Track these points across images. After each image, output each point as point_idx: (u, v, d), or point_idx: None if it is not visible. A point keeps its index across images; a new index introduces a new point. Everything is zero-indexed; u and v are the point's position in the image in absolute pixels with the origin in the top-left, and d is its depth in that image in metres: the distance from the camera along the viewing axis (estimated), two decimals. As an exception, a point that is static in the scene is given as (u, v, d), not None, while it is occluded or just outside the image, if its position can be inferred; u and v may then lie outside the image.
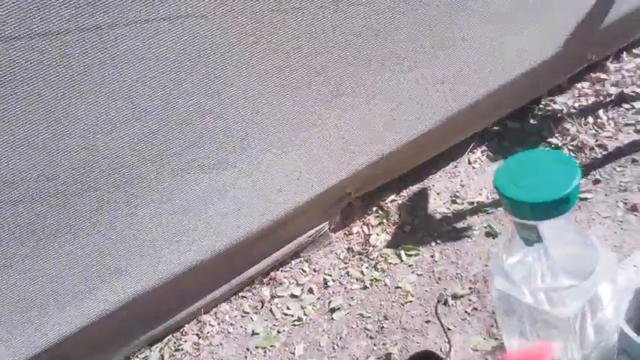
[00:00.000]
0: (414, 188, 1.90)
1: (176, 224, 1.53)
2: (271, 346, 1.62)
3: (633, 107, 1.83)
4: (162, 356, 1.71)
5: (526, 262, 0.75)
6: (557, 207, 0.62)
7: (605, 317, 0.73)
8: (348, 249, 1.81)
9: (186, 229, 1.55)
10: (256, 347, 1.63)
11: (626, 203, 1.54)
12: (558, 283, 0.69)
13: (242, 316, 1.74)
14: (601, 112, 1.85)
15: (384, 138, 1.69)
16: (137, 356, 1.73)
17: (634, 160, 1.65)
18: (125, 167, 1.39)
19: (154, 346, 1.75)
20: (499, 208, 1.73)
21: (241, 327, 1.71)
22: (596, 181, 1.67)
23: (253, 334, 1.67)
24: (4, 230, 1.33)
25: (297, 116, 1.55)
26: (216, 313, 1.77)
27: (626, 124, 1.78)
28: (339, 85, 1.56)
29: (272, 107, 1.51)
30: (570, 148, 1.80)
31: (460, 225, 1.73)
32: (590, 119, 1.86)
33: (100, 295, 1.52)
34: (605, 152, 1.73)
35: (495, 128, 1.98)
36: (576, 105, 1.93)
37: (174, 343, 1.74)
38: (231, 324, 1.73)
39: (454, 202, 1.81)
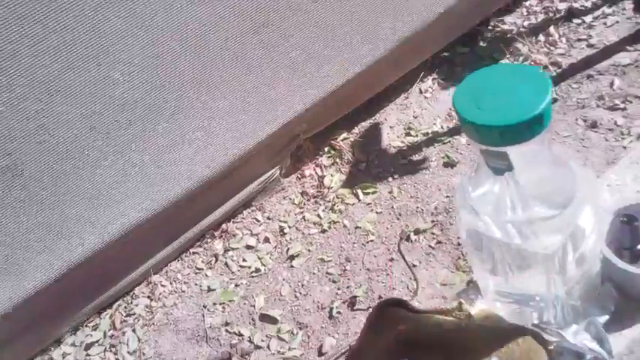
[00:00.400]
0: (366, 124, 1.81)
1: (119, 178, 1.39)
2: (230, 301, 1.53)
3: (584, 22, 1.77)
4: (113, 323, 1.60)
5: (493, 194, 0.67)
6: (529, 128, 0.53)
7: (588, 246, 0.66)
8: (302, 193, 1.71)
9: (121, 183, 1.41)
10: (214, 304, 1.54)
11: (585, 120, 1.49)
12: (532, 214, 0.61)
13: (195, 273, 1.64)
14: (552, 28, 1.79)
15: (331, 73, 1.58)
16: (87, 325, 1.62)
17: (589, 76, 1.60)
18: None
19: (104, 313, 1.63)
20: (455, 137, 1.67)
21: (195, 284, 1.61)
22: (553, 100, 1.62)
23: (209, 290, 1.58)
24: None
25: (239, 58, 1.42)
26: (167, 272, 1.66)
27: (578, 40, 1.72)
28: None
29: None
30: (523, 68, 1.73)
31: (416, 157, 1.66)
32: (542, 37, 1.79)
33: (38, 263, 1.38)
34: (559, 70, 1.67)
35: (445, 54, 1.89)
36: (525, 24, 1.86)
37: (125, 307, 1.63)
38: (185, 282, 1.62)
39: (408, 134, 1.73)
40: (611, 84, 1.55)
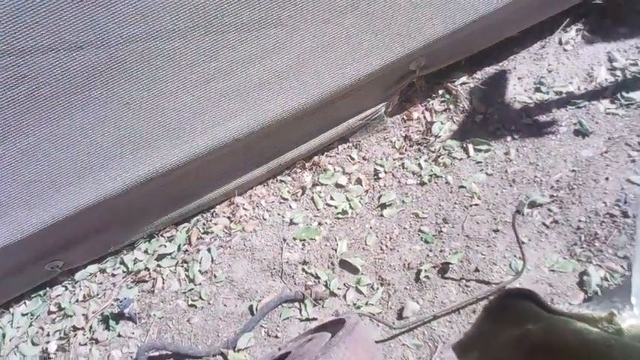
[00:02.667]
0: (491, 70, 1.59)
1: (215, 93, 1.29)
2: (311, 239, 1.44)
3: None
4: (189, 238, 1.56)
5: None
6: None
7: None
8: (406, 137, 1.55)
9: (225, 98, 1.31)
10: (294, 239, 1.45)
11: None
12: None
13: (280, 203, 1.55)
14: None
15: (462, 4, 1.36)
16: (162, 235, 1.58)
17: None
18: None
19: (181, 226, 1.59)
20: (592, 102, 1.43)
21: (278, 214, 1.52)
22: None
23: (291, 223, 1.49)
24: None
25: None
26: (251, 196, 1.58)
27: None
28: None
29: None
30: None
31: (543, 118, 1.45)
32: None
33: (124, 165, 1.33)
34: None
35: (597, 1, 1.61)
36: None
37: (204, 224, 1.58)
38: (268, 210, 1.54)
39: (538, 89, 1.51)
40: None
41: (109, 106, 1.21)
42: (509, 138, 1.44)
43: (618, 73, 1.46)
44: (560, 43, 1.59)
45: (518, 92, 1.52)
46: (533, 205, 1.28)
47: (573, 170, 1.31)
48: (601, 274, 1.12)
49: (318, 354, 0.89)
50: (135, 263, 1.53)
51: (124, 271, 1.53)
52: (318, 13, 1.26)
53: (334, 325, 1.05)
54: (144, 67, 1.18)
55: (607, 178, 1.26)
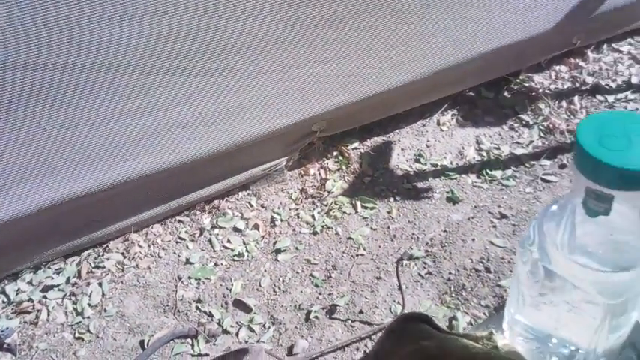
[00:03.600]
0: (379, 140, 1.81)
1: (135, 128, 1.35)
2: (206, 278, 1.49)
3: (606, 100, 1.82)
4: (79, 271, 1.54)
5: (563, 234, 0.67)
6: None
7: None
8: (302, 190, 1.69)
9: (135, 136, 1.36)
10: (189, 277, 1.50)
11: (592, 192, 1.53)
12: (574, 259, 0.62)
13: (176, 242, 1.59)
14: (575, 98, 1.83)
15: (362, 82, 1.57)
16: (49, 267, 1.55)
17: (604, 152, 1.64)
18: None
19: (71, 259, 1.57)
20: (462, 175, 1.68)
21: (174, 253, 1.57)
22: (562, 166, 1.66)
23: (187, 262, 1.54)
24: None
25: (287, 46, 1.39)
26: (147, 233, 1.61)
27: (600, 115, 1.76)
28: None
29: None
30: (541, 128, 1.77)
31: (421, 185, 1.66)
32: (564, 103, 1.83)
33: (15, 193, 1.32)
34: (574, 138, 1.71)
35: (470, 94, 1.91)
36: (552, 87, 1.90)
37: (95, 259, 1.57)
38: (164, 248, 1.58)
39: (418, 161, 1.74)
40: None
41: (25, 128, 1.22)
42: (392, 199, 1.63)
43: (484, 153, 1.73)
44: (438, 124, 1.85)
45: (401, 161, 1.74)
46: (410, 257, 1.46)
47: (445, 230, 1.52)
48: (467, 319, 1.30)
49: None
50: (18, 294, 1.48)
51: (4, 301, 1.47)
52: (240, 73, 1.39)
53: (237, 354, 1.11)
54: (69, 95, 1.22)
55: (473, 239, 1.47)
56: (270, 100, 1.47)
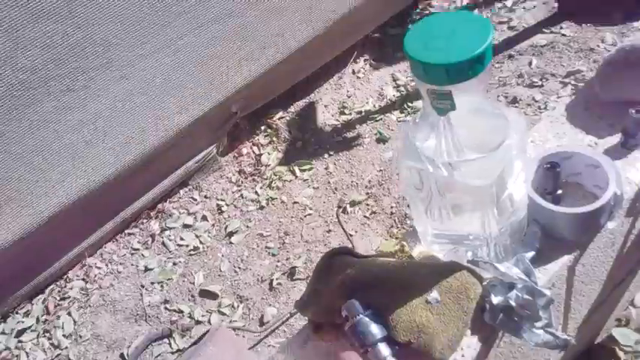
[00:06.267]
0: (301, 103, 1.84)
1: (40, 159, 1.35)
2: (168, 279, 1.52)
3: (505, 5, 1.87)
4: (46, 308, 1.55)
5: (431, 140, 0.72)
6: (471, 67, 0.58)
7: (517, 189, 0.72)
8: (240, 171, 1.72)
9: (51, 164, 1.37)
10: (152, 283, 1.53)
11: (506, 97, 1.59)
12: (463, 155, 0.67)
13: (131, 254, 1.62)
14: (475, 11, 1.88)
15: (262, 52, 1.59)
16: (17, 312, 1.56)
17: (510, 56, 1.70)
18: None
19: (36, 299, 1.58)
20: (386, 114, 1.72)
21: (132, 265, 1.59)
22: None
23: (146, 270, 1.56)
24: None
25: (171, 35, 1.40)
26: (102, 254, 1.63)
27: (500, 22, 1.82)
28: None
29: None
30: (449, 49, 1.82)
31: (350, 134, 1.71)
32: (466, 20, 1.88)
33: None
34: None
35: (376, 35, 1.94)
36: (452, 7, 1.94)
37: (59, 292, 1.58)
38: (121, 263, 1.60)
39: (342, 112, 1.78)
40: (530, 63, 1.65)
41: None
42: (326, 155, 1.67)
43: (402, 88, 1.77)
44: (354, 72, 1.88)
45: (327, 117, 1.77)
46: (353, 203, 1.51)
47: (380, 170, 1.57)
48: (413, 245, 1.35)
49: (189, 357, 0.99)
50: (-9, 345, 1.49)
51: (-21, 356, 1.48)
52: (148, 69, 1.40)
53: (202, 337, 1.15)
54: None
55: (406, 170, 1.52)
56: (175, 92, 1.47)
